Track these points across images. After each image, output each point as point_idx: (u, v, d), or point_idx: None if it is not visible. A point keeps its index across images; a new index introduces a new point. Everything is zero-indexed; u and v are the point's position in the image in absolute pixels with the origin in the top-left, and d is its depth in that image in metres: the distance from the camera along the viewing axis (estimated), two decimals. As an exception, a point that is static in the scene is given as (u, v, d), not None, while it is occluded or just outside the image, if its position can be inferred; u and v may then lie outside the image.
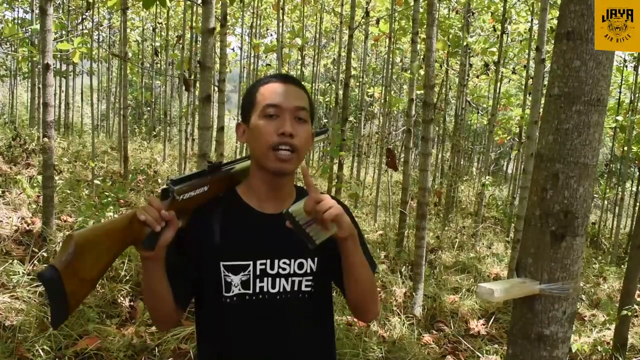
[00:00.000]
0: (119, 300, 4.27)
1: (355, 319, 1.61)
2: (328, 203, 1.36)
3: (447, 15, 10.17)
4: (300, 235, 1.38)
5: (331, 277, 1.64)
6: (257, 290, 1.53)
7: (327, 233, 1.38)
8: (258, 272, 1.53)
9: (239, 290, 1.53)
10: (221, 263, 1.52)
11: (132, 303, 4.28)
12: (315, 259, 1.57)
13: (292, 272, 1.55)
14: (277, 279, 1.54)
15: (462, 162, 13.46)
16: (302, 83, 1.65)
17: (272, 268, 1.54)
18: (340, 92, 9.54)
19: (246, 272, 1.53)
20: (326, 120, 18.13)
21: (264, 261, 1.54)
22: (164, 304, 1.54)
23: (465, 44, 9.35)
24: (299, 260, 1.56)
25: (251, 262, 1.53)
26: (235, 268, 1.53)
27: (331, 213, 1.36)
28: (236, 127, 1.63)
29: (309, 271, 1.56)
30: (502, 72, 10.21)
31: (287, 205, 1.52)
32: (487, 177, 9.54)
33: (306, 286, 1.57)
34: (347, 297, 1.60)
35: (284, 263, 1.55)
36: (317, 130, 1.81)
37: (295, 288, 1.56)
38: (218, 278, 1.53)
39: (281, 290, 1.55)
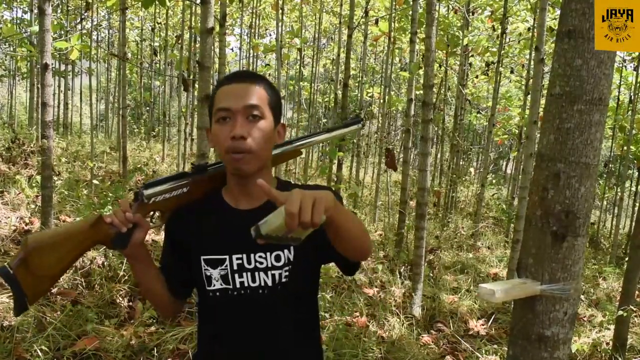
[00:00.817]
0: (118, 301, 4.26)
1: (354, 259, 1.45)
2: (305, 208, 1.15)
3: (447, 15, 10.16)
4: (281, 244, 1.26)
5: (314, 262, 1.64)
6: (238, 285, 1.57)
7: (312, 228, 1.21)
8: (235, 267, 1.56)
9: (220, 285, 1.57)
10: (201, 257, 1.59)
11: (130, 303, 4.27)
12: (291, 248, 1.57)
13: (269, 265, 1.56)
14: (256, 273, 1.56)
15: (461, 163, 13.46)
16: (263, 77, 1.63)
17: (249, 262, 1.56)
18: (340, 92, 9.53)
19: (224, 267, 1.57)
20: (325, 120, 18.11)
21: (239, 255, 1.56)
22: (155, 294, 1.67)
23: (465, 43, 9.34)
24: (275, 253, 1.56)
25: (227, 257, 1.57)
26: (213, 262, 1.57)
27: (315, 214, 1.16)
28: (207, 134, 1.67)
29: (286, 262, 1.57)
30: (501, 72, 10.20)
31: (262, 200, 1.56)
32: (488, 177, 9.53)
33: (285, 277, 1.57)
34: (344, 253, 1.43)
35: (260, 257, 1.56)
36: (348, 121, 1.82)
37: (276, 281, 1.56)
38: (200, 272, 1.59)
39: (262, 284, 1.56)
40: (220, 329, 1.62)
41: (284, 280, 1.56)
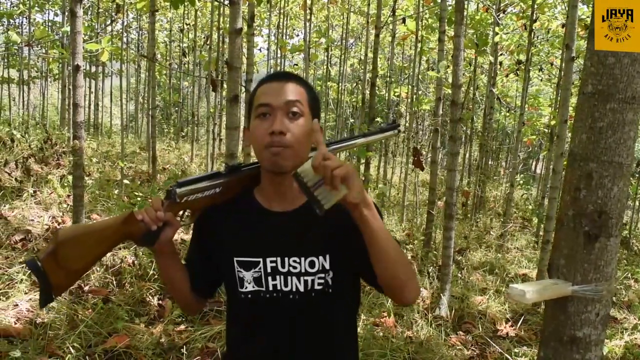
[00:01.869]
0: (148, 299, 4.31)
1: (396, 303, 1.56)
2: (337, 161, 1.30)
3: (477, 11, 10.07)
4: (308, 199, 1.34)
5: (351, 272, 1.61)
6: (271, 287, 1.56)
7: (337, 194, 1.31)
8: (269, 270, 1.55)
9: (253, 287, 1.57)
10: (235, 259, 1.58)
11: (160, 302, 4.32)
12: (327, 256, 1.55)
13: (303, 270, 1.55)
14: (289, 277, 1.55)
15: (490, 162, 13.34)
16: (302, 78, 1.64)
17: (282, 266, 1.55)
18: (367, 91, 9.52)
19: (257, 269, 1.56)
20: (353, 120, 18.09)
21: (273, 259, 1.55)
22: (179, 291, 1.68)
23: (495, 41, 9.25)
24: (309, 259, 1.55)
25: (261, 259, 1.56)
26: (247, 264, 1.57)
27: (340, 171, 1.29)
28: (243, 133, 1.67)
29: (321, 269, 1.55)
30: (530, 71, 10.08)
31: (298, 203, 1.58)
32: (517, 177, 9.42)
33: (319, 284, 1.55)
34: (379, 279, 1.49)
35: (294, 261, 1.55)
36: (385, 126, 1.81)
37: (309, 287, 1.55)
38: (233, 273, 1.58)
39: (294, 289, 1.55)
40: (251, 331, 1.61)
41: (316, 287, 1.55)
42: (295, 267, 1.55)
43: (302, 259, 1.55)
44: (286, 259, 1.55)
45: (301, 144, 1.52)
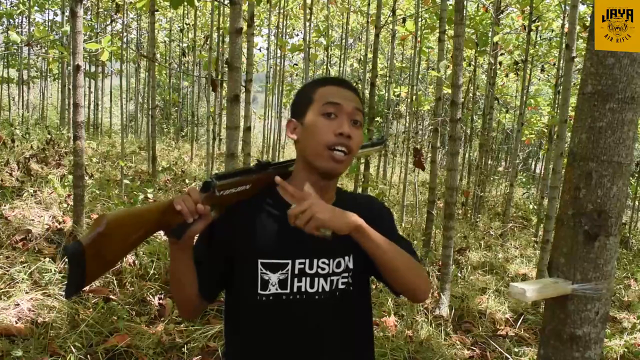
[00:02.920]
0: (148, 299, 4.32)
1: (409, 301, 1.60)
2: (304, 216, 1.34)
3: (477, 11, 10.08)
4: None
5: (368, 273, 1.63)
6: (295, 290, 1.52)
7: (325, 234, 1.38)
8: (297, 272, 1.52)
9: (276, 289, 1.52)
10: (259, 260, 1.52)
11: (161, 301, 4.32)
12: (351, 255, 1.56)
13: (330, 271, 1.54)
14: (316, 279, 1.53)
15: (490, 162, 13.34)
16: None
17: (310, 268, 1.53)
18: (367, 91, 9.52)
19: (284, 271, 1.52)
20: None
21: (302, 260, 1.53)
22: (187, 291, 1.58)
23: (495, 41, 9.26)
24: (337, 260, 1.55)
25: (290, 261, 1.52)
26: (274, 266, 1.52)
27: (310, 226, 1.34)
28: (287, 123, 1.62)
29: (345, 269, 1.56)
30: (530, 71, 10.09)
31: (329, 202, 1.56)
32: (518, 176, 9.43)
33: (342, 283, 1.56)
34: (390, 284, 1.57)
35: (323, 263, 1.53)
36: (374, 141, 1.84)
37: (333, 287, 1.55)
38: (254, 275, 1.53)
39: (320, 290, 1.54)
40: (266, 333, 1.56)
41: (340, 286, 1.55)
42: (323, 269, 1.54)
43: (331, 260, 1.54)
44: (315, 260, 1.53)
45: (356, 152, 1.55)
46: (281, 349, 1.55)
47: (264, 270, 1.52)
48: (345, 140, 1.49)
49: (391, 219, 1.70)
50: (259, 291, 1.52)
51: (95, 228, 1.37)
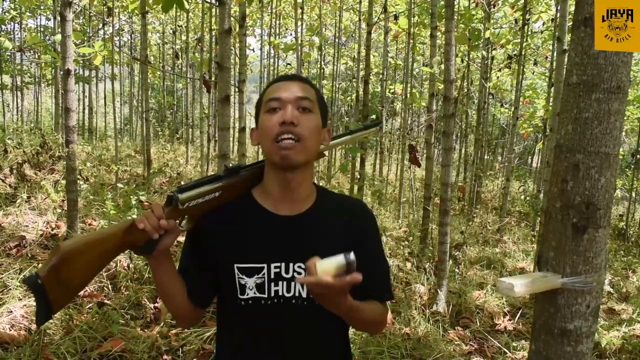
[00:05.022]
0: (143, 302, 4.29)
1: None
2: (322, 296, 1.35)
3: (468, 7, 10.07)
4: None
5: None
6: (272, 294, 1.51)
7: None
8: (272, 276, 1.51)
9: (254, 293, 1.51)
10: (235, 265, 1.51)
11: (156, 304, 4.30)
12: None
13: (307, 276, 1.53)
14: (292, 283, 1.52)
15: (486, 157, 13.34)
16: (311, 80, 1.64)
17: (287, 272, 1.51)
18: (361, 89, 9.51)
19: (260, 275, 1.51)
20: (348, 118, 18.08)
21: (278, 264, 1.51)
22: (175, 301, 1.58)
23: (487, 36, 9.24)
24: None
25: (265, 265, 1.51)
26: (249, 270, 1.51)
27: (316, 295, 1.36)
28: (250, 133, 1.61)
29: None
30: (523, 65, 10.08)
31: (304, 207, 1.56)
32: (513, 171, 9.42)
33: None
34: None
35: (299, 267, 1.51)
36: (368, 124, 1.82)
37: (310, 294, 1.52)
38: (232, 280, 1.52)
39: (297, 294, 1.52)
40: (248, 337, 1.56)
41: None
42: (299, 273, 1.51)
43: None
44: (291, 264, 1.51)
45: (311, 139, 1.50)
46: (263, 353, 1.55)
47: (240, 275, 1.51)
48: (289, 127, 1.46)
49: (376, 232, 1.66)
50: (239, 295, 1.52)
51: (50, 259, 1.39)
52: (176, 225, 1.48)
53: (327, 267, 1.27)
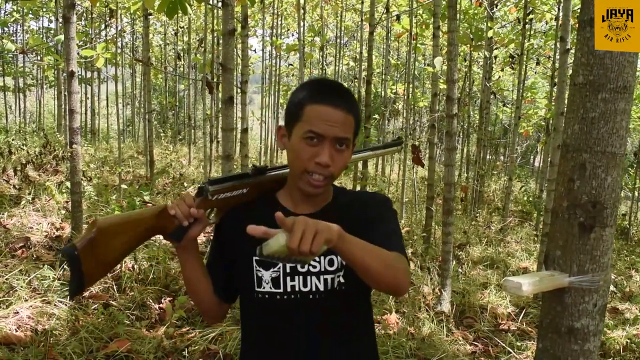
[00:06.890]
0: (148, 303, 4.30)
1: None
2: (305, 239, 1.21)
3: (470, 5, 10.07)
4: (287, 263, 1.39)
5: None
6: (289, 289, 1.54)
7: (309, 259, 1.29)
8: (288, 270, 1.53)
9: (270, 288, 1.54)
10: (254, 257, 1.55)
11: (161, 305, 4.31)
12: None
13: (322, 269, 1.54)
14: (309, 277, 1.53)
15: (488, 157, 13.33)
16: (354, 97, 1.59)
17: (302, 266, 1.53)
18: (363, 89, 9.51)
19: (276, 269, 1.54)
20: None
21: None
22: (202, 294, 1.65)
23: (490, 36, 9.24)
24: (328, 257, 1.54)
25: None
26: (266, 263, 1.54)
27: (312, 248, 1.21)
28: (277, 129, 1.63)
29: (340, 267, 1.54)
30: (525, 64, 10.08)
31: (321, 205, 1.60)
32: (516, 170, 9.42)
33: (338, 284, 1.54)
34: (370, 285, 1.47)
35: (314, 260, 1.53)
36: (387, 143, 1.88)
37: (329, 287, 1.54)
38: (250, 273, 1.56)
39: (314, 289, 1.54)
40: (265, 331, 1.59)
41: (336, 286, 1.54)
42: (314, 267, 1.54)
43: (322, 257, 1.54)
44: None
45: (339, 174, 1.55)
46: (281, 348, 1.57)
47: (258, 267, 1.55)
48: (323, 169, 1.49)
49: (392, 214, 1.64)
50: (256, 288, 1.56)
51: (87, 234, 1.46)
52: (204, 215, 1.55)
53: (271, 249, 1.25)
